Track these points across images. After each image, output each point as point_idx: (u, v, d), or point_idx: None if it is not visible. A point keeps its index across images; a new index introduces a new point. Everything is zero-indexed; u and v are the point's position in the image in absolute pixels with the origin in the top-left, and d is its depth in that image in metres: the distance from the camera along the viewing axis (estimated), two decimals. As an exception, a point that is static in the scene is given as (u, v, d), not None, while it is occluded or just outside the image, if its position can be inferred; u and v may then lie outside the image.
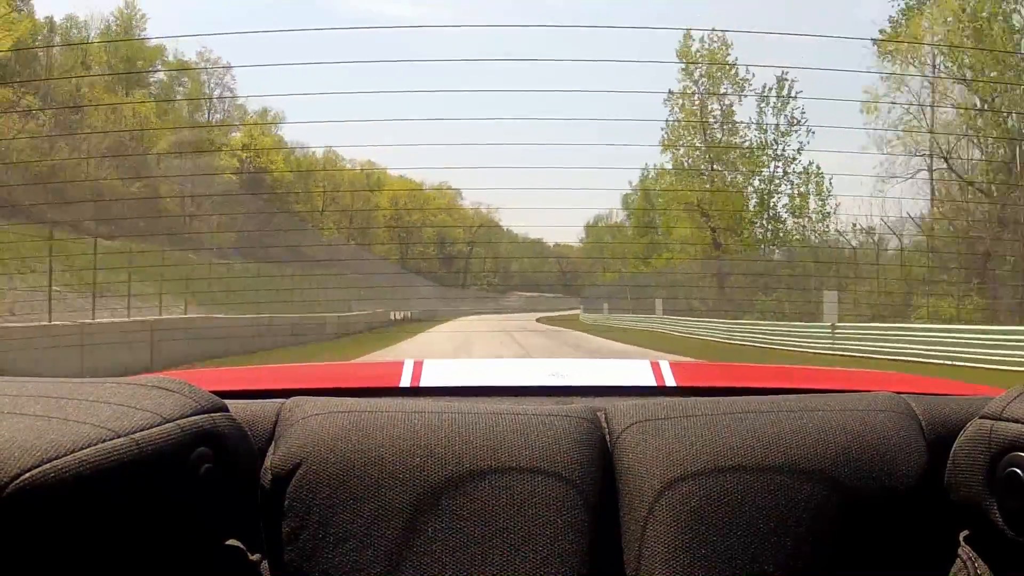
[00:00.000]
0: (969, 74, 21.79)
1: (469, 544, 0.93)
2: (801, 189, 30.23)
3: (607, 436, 1.06)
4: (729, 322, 23.93)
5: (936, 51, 22.71)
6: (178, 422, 0.83)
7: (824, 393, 1.16)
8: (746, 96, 31.31)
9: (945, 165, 23.09)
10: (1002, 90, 20.94)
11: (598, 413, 1.09)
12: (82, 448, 0.73)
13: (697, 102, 32.08)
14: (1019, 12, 20.95)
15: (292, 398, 1.09)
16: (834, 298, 19.77)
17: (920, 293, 20.71)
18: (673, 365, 1.42)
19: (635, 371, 1.42)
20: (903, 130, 24.45)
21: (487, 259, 60.62)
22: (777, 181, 30.75)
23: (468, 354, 18.26)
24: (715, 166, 31.62)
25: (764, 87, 30.58)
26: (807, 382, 1.43)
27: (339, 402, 1.06)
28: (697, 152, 32.07)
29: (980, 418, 0.96)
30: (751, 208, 30.48)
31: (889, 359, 15.23)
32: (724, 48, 31.50)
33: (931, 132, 23.04)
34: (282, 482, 0.97)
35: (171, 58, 38.14)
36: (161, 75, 38.94)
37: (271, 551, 0.98)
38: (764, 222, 30.21)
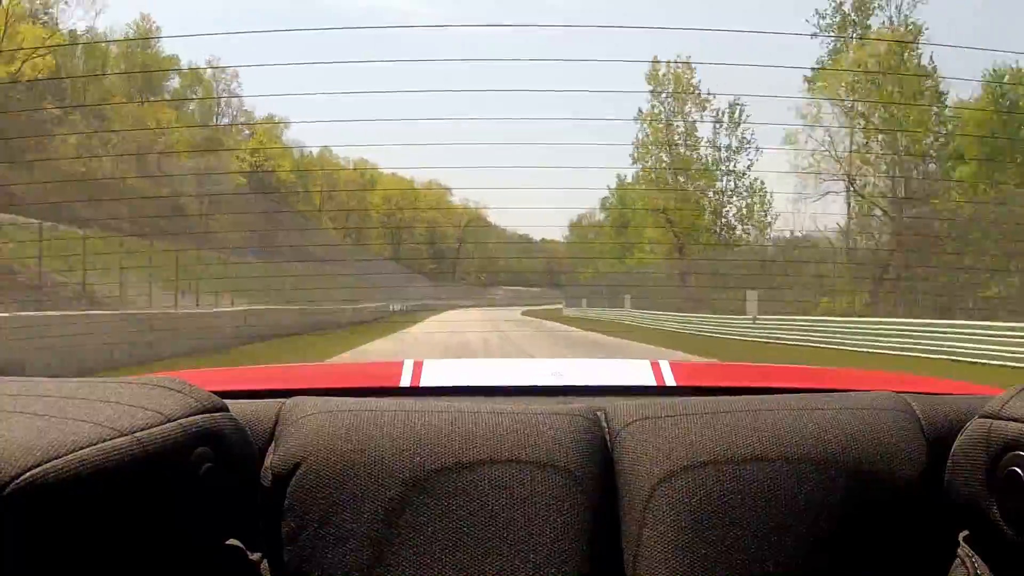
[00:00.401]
0: (864, 108, 27.32)
1: (469, 544, 0.94)
2: (748, 201, 35.61)
3: (607, 436, 1.05)
4: (682, 315, 28.93)
5: (847, 92, 28.08)
6: (178, 422, 0.83)
7: (824, 392, 1.16)
8: (704, 120, 36.43)
9: (851, 188, 28.56)
10: (894, 127, 26.38)
11: (598, 413, 1.09)
12: (83, 447, 0.74)
13: (663, 121, 37.13)
14: (906, 67, 26.29)
15: (292, 398, 1.10)
16: (755, 296, 24.83)
17: (823, 291, 25.90)
18: (673, 365, 1.44)
19: (635, 371, 1.43)
20: (813, 158, 30.04)
21: (475, 255, 63.71)
22: (729, 193, 36.10)
23: (462, 338, 23.17)
24: (679, 178, 36.65)
25: (718, 112, 35.80)
26: (807, 381, 1.44)
27: (339, 402, 1.07)
28: (663, 165, 37.13)
29: (980, 417, 0.95)
30: (707, 216, 35.56)
31: (796, 345, 20.28)
32: (689, 72, 36.57)
33: (835, 159, 28.64)
34: (282, 482, 0.97)
35: (184, 65, 41.67)
36: (175, 82, 42.90)
37: (271, 551, 0.98)
38: (718, 229, 35.30)
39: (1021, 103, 24.06)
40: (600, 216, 49.76)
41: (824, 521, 0.96)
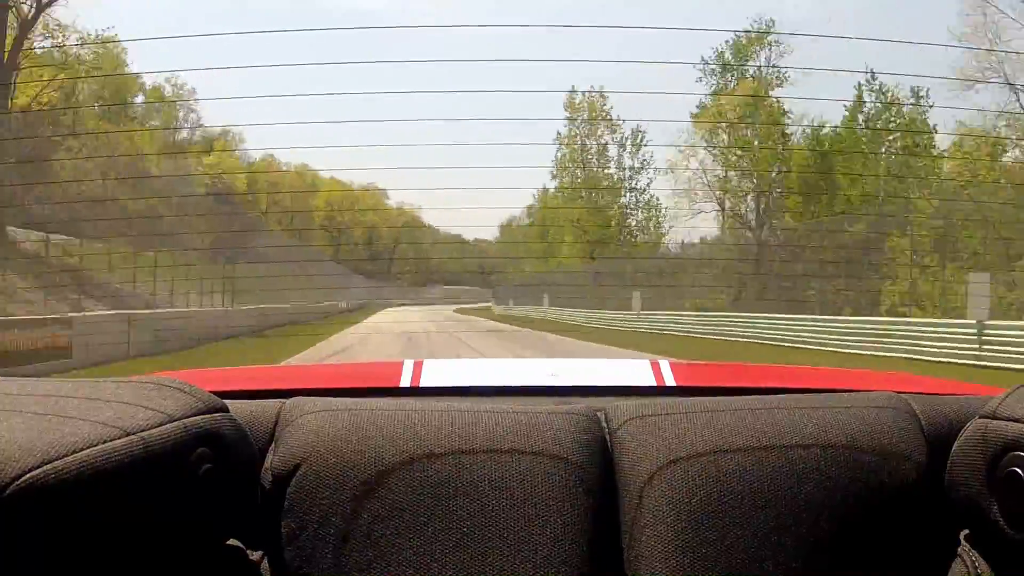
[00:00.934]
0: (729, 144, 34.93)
1: (469, 544, 0.94)
2: (646, 215, 42.60)
3: (607, 435, 1.07)
4: (588, 311, 35.71)
5: (715, 132, 35.59)
6: (179, 422, 0.84)
7: (824, 392, 1.17)
8: (612, 143, 43.41)
9: (722, 209, 36.16)
10: (748, 162, 34.14)
11: (598, 413, 1.10)
12: (83, 448, 0.74)
13: (579, 143, 43.99)
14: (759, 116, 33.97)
15: (292, 398, 1.11)
16: (639, 295, 31.83)
17: (697, 290, 33.05)
18: (673, 365, 1.45)
19: (635, 371, 1.45)
20: (689, 183, 37.51)
21: (410, 256, 67.91)
22: (631, 207, 43.01)
23: (403, 323, 29.40)
24: (591, 193, 43.54)
25: (623, 137, 42.81)
26: (807, 382, 1.47)
27: (339, 402, 1.08)
28: (578, 181, 44.01)
29: (980, 417, 0.96)
30: (613, 227, 42.55)
31: (669, 333, 27.20)
32: (602, 99, 43.49)
33: (707, 185, 36.21)
34: (282, 482, 0.98)
35: (144, 80, 45.04)
36: (140, 98, 46.87)
37: (271, 551, 0.99)
38: (621, 237, 42.23)
39: (832, 151, 31.67)
40: (527, 221, 54.33)
41: (824, 521, 0.96)
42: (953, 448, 1.00)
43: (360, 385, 1.39)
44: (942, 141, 29.07)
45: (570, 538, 0.96)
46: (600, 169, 43.68)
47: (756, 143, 34.87)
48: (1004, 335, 16.12)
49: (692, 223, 37.18)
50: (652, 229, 41.96)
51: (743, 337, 23.51)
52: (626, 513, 1.00)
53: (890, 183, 28.51)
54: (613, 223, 42.24)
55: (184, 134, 50.77)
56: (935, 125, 30.82)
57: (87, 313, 19.98)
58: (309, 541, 0.96)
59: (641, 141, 42.03)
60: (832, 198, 30.59)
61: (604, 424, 1.09)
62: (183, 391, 0.92)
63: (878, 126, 31.23)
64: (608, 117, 43.18)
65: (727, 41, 36.64)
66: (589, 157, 43.66)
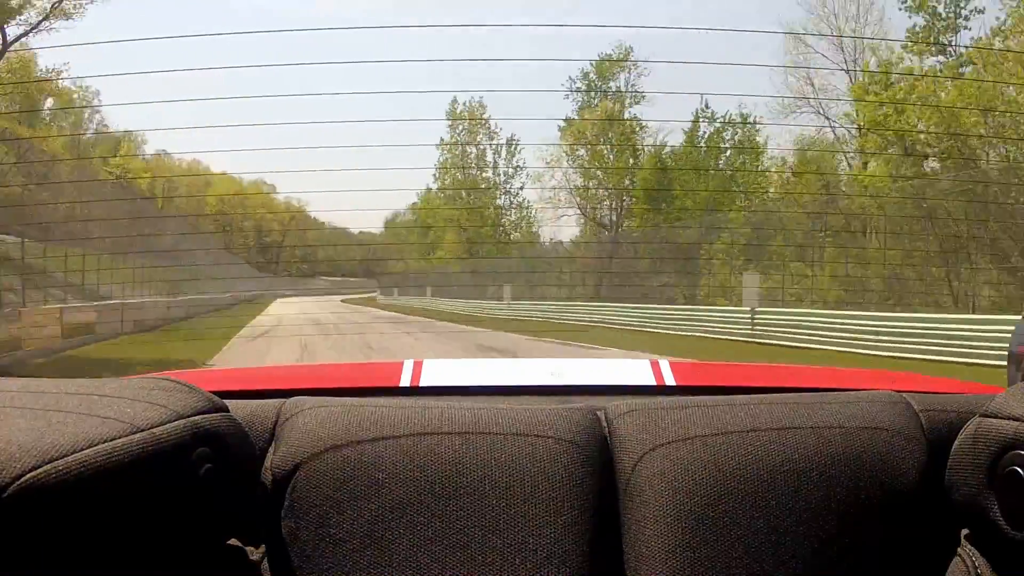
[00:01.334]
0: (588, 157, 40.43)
1: (469, 544, 0.94)
2: (519, 215, 47.51)
3: (607, 435, 1.07)
4: (466, 301, 40.07)
5: (577, 147, 40.99)
6: (179, 422, 0.84)
7: (824, 392, 1.17)
8: (490, 149, 48.22)
9: (583, 213, 41.70)
10: (603, 174, 39.73)
11: (598, 412, 1.10)
12: (83, 449, 0.74)
13: (459, 148, 48.61)
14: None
15: (292, 398, 1.11)
16: (508, 288, 36.67)
17: (560, 283, 38.17)
18: (673, 364, 1.46)
19: (634, 370, 1.45)
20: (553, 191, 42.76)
21: (297, 249, 69.49)
22: (506, 209, 47.81)
23: (305, 313, 33.34)
24: (470, 194, 48.22)
25: (497, 145, 47.57)
26: (807, 381, 1.46)
27: (339, 402, 1.08)
28: (458, 183, 48.63)
29: (980, 416, 0.97)
30: (489, 226, 47.33)
31: (530, 318, 31.90)
32: (481, 108, 48.16)
33: (569, 192, 41.64)
34: (282, 482, 0.98)
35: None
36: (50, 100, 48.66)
37: (271, 551, 0.99)
38: (497, 236, 46.97)
39: (671, 167, 37.42)
40: (410, 217, 57.26)
41: (825, 520, 0.96)
42: (953, 447, 1.00)
43: (360, 385, 1.38)
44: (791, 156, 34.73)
45: (570, 537, 0.95)
46: (479, 173, 48.35)
47: (611, 158, 40.22)
48: (769, 319, 21.54)
49: (558, 224, 42.52)
50: (524, 229, 46.89)
51: (592, 322, 28.53)
52: (626, 514, 1.00)
53: (718, 195, 34.17)
54: (489, 223, 46.80)
55: (90, 136, 52.35)
56: (766, 142, 36.64)
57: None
58: (309, 541, 0.96)
59: (515, 149, 46.93)
60: (670, 207, 36.06)
61: (604, 424, 1.09)
62: (183, 391, 0.92)
63: (717, 144, 37.11)
64: (487, 125, 47.90)
65: (591, 62, 41.84)
66: (469, 162, 48.23)
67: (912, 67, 26.89)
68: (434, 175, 48.63)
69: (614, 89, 41.96)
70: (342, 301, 55.96)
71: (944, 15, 27.59)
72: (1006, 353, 9.96)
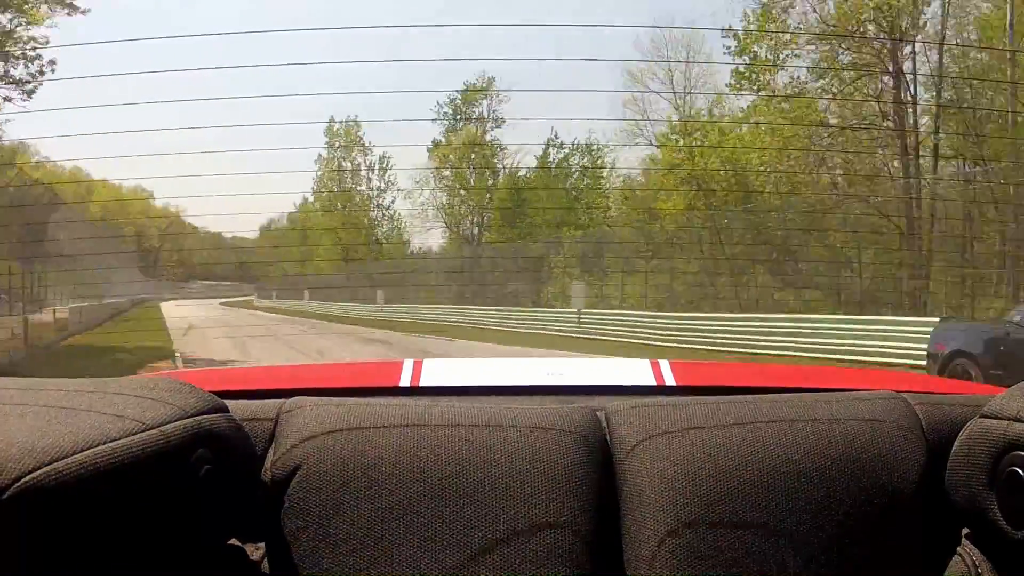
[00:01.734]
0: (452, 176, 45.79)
1: (469, 544, 0.94)
2: (391, 227, 51.68)
3: (607, 435, 1.07)
4: (342, 304, 44.02)
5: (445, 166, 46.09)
6: (178, 423, 0.84)
7: (825, 392, 1.17)
8: (363, 165, 52.53)
9: (447, 226, 46.97)
10: (465, 191, 45.16)
11: (597, 412, 1.11)
12: (83, 450, 0.74)
13: (336, 165, 52.82)
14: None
15: (292, 398, 1.11)
16: (382, 293, 40.63)
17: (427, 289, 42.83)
18: (673, 364, 1.46)
19: (634, 370, 1.45)
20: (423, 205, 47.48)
21: (175, 253, 69.85)
22: (379, 221, 51.91)
23: (192, 316, 36.18)
24: (346, 206, 52.55)
25: (371, 162, 51.96)
26: (808, 381, 1.47)
27: (339, 402, 1.08)
28: (334, 196, 52.78)
29: (981, 417, 0.97)
30: (363, 236, 51.59)
31: (405, 320, 36.38)
32: (357, 127, 52.46)
33: (436, 208, 46.75)
34: (282, 482, 0.98)
35: None
36: None
37: (271, 551, 0.99)
38: (371, 246, 51.03)
39: (524, 187, 42.86)
40: (288, 224, 60.34)
41: (825, 520, 0.97)
42: (954, 447, 1.00)
43: (360, 384, 1.38)
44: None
45: (570, 537, 0.95)
46: (353, 186, 52.68)
47: (472, 179, 45.08)
48: (593, 318, 27.30)
49: (426, 236, 47.40)
50: (395, 239, 51.11)
51: (453, 322, 33.47)
52: (626, 513, 1.00)
53: (562, 213, 39.74)
54: (363, 233, 51.01)
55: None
56: (614, 164, 41.76)
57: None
58: (309, 541, 0.96)
59: (387, 166, 51.39)
60: (523, 223, 41.25)
61: (604, 424, 1.09)
62: (183, 391, 0.91)
63: (564, 168, 42.80)
64: (361, 143, 52.22)
65: (458, 91, 46.77)
66: (345, 176, 52.50)
67: (726, 105, 32.45)
68: (312, 188, 52.68)
69: (477, 115, 46.71)
70: (221, 304, 58.26)
71: (765, 57, 32.68)
72: (925, 353, 11.47)
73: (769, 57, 30.20)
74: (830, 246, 26.05)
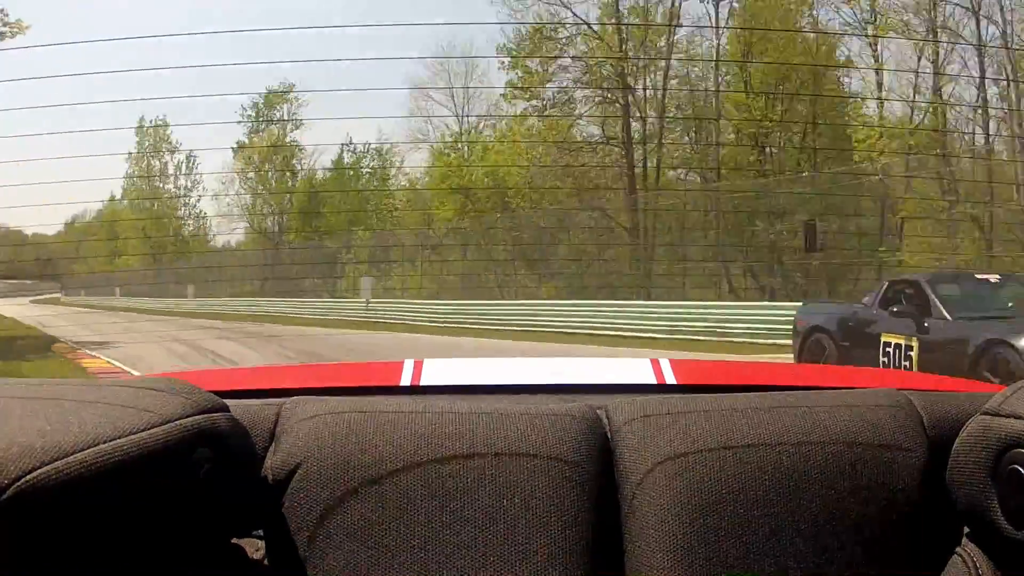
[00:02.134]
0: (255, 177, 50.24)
1: (470, 544, 0.94)
2: (198, 224, 54.61)
3: (608, 434, 1.07)
4: (155, 299, 46.83)
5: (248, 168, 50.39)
6: (178, 422, 0.84)
7: (825, 390, 1.18)
8: (171, 165, 55.36)
9: (250, 225, 51.29)
10: (266, 192, 49.64)
11: (599, 411, 1.11)
12: (82, 450, 0.74)
13: (144, 162, 55.30)
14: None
15: (292, 398, 1.11)
16: (192, 287, 44.13)
17: (232, 282, 46.36)
18: (673, 362, 1.46)
19: (635, 369, 1.45)
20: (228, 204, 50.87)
21: None
22: (186, 219, 54.40)
23: (24, 314, 37.55)
24: (155, 204, 55.15)
25: (179, 161, 54.45)
26: (808, 379, 1.49)
27: (339, 402, 1.08)
28: (144, 194, 55.18)
29: (982, 414, 0.96)
30: (172, 233, 54.14)
31: (215, 312, 40.06)
32: (166, 126, 54.68)
33: (241, 208, 50.96)
34: (282, 481, 0.98)
35: None
36: None
37: (271, 550, 0.99)
38: (178, 242, 53.36)
39: (320, 189, 47.42)
40: (95, 220, 60.49)
41: (825, 518, 0.97)
42: (955, 445, 0.99)
43: (360, 384, 1.38)
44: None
45: (571, 539, 0.96)
46: (162, 185, 55.33)
47: (273, 180, 48.32)
48: (379, 306, 32.99)
49: (232, 233, 50.84)
50: (202, 236, 53.52)
51: (256, 312, 37.42)
52: (628, 513, 1.00)
53: (355, 214, 44.34)
54: (171, 230, 53.09)
55: None
56: (401, 164, 45.89)
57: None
58: (309, 540, 0.96)
59: (193, 166, 54.00)
60: (320, 222, 44.72)
61: (605, 423, 1.09)
62: (183, 391, 0.91)
63: (356, 171, 47.62)
64: (169, 143, 54.18)
65: (260, 94, 50.31)
66: (153, 175, 55.02)
67: (503, 115, 37.39)
68: (122, 186, 55.00)
69: (278, 118, 49.43)
70: (31, 302, 58.51)
71: (535, 71, 37.71)
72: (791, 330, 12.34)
73: (539, 71, 35.68)
74: (572, 245, 32.72)
